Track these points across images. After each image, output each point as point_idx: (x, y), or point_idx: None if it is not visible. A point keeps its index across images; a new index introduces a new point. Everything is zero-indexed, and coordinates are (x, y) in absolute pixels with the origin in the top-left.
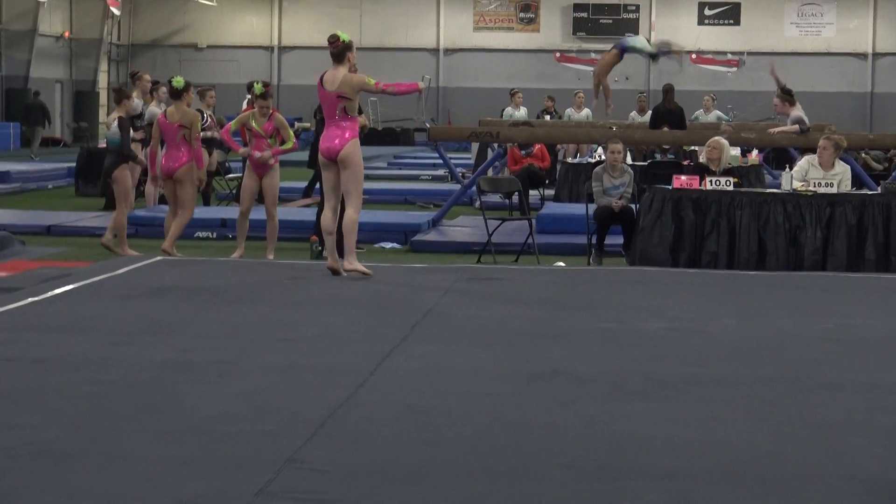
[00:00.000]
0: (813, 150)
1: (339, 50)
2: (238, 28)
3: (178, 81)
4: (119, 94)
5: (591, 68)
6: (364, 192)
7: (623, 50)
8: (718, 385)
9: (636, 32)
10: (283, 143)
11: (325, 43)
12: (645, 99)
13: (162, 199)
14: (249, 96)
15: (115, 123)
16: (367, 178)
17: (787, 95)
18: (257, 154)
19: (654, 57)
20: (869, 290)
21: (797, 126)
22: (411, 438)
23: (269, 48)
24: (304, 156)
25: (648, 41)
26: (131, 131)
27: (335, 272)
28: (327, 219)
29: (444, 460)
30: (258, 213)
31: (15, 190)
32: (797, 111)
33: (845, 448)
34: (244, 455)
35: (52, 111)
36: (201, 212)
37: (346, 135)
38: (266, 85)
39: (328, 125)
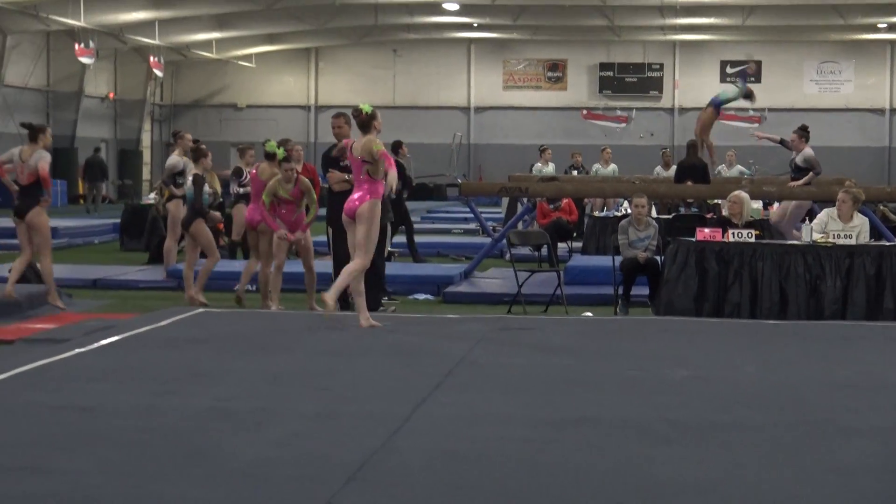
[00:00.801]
0: (832, 203)
1: (363, 122)
2: (276, 88)
3: (271, 146)
4: (197, 153)
5: (617, 125)
6: (398, 245)
7: (718, 106)
8: (741, 430)
9: (660, 91)
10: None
11: (360, 102)
12: (669, 154)
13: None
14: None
15: (191, 179)
16: (401, 231)
17: (803, 132)
18: (292, 237)
19: (747, 97)
20: (888, 339)
21: (811, 174)
22: (444, 483)
23: (306, 107)
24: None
25: (735, 85)
26: (173, 188)
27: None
28: (355, 278)
29: None
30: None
31: (62, 245)
32: (809, 150)
33: (865, 492)
34: (282, 500)
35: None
36: (242, 265)
37: (367, 196)
38: (284, 143)
39: (354, 188)
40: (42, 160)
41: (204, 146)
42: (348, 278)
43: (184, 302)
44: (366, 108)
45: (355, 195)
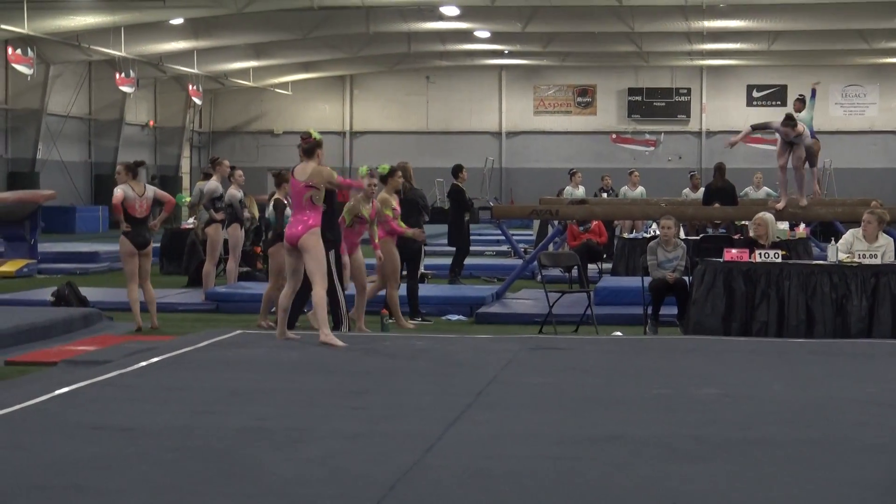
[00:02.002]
0: (857, 224)
1: (310, 146)
2: (311, 115)
3: (384, 168)
4: (279, 178)
5: (646, 149)
6: (430, 266)
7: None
8: (767, 447)
9: (687, 115)
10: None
11: (395, 128)
12: (698, 177)
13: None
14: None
15: (272, 205)
16: (434, 254)
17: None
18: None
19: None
20: None
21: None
22: (477, 501)
23: (342, 133)
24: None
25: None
26: (211, 212)
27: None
28: (285, 296)
29: None
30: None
31: (104, 269)
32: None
33: None
34: None
35: None
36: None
37: (310, 222)
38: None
39: (295, 213)
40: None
41: (285, 172)
42: (322, 308)
43: (223, 324)
44: (315, 134)
45: (297, 221)
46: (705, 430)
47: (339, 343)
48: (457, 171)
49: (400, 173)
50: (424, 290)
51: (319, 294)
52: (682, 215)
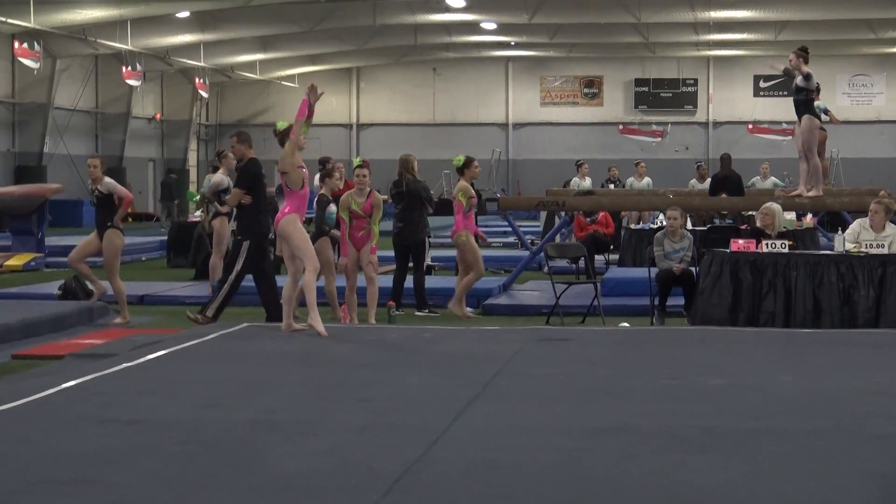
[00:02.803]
0: (864, 214)
1: (280, 138)
2: (318, 107)
3: (459, 160)
4: (324, 173)
5: (653, 139)
6: (438, 259)
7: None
8: (775, 438)
9: (694, 105)
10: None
11: (401, 120)
12: (705, 168)
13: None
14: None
15: (316, 200)
16: (441, 245)
17: (803, 52)
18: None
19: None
20: None
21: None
22: (483, 493)
23: (349, 125)
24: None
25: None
26: (218, 205)
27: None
28: (288, 287)
29: None
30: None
31: None
32: (807, 69)
33: None
34: None
35: (145, 188)
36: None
37: (286, 210)
38: (325, 162)
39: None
40: None
41: (331, 166)
42: (311, 291)
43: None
44: (280, 124)
45: (280, 212)
46: (713, 421)
47: (322, 330)
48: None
49: (476, 163)
50: (431, 282)
51: (307, 278)
52: (688, 206)
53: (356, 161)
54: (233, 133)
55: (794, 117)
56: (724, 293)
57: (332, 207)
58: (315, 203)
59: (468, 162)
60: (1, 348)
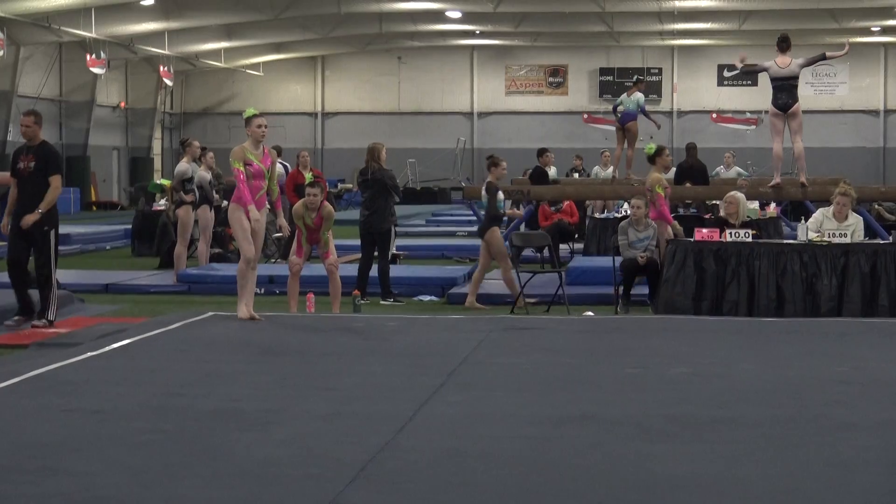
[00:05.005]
0: (827, 203)
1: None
2: (283, 96)
3: (650, 148)
4: (490, 161)
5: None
6: (403, 248)
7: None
8: (739, 426)
9: (659, 94)
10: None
11: (367, 108)
12: (669, 157)
13: (214, 258)
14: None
15: (484, 188)
16: (407, 234)
17: (783, 42)
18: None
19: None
20: (883, 335)
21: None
22: (448, 481)
23: (313, 114)
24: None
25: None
26: (182, 194)
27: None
28: (241, 272)
29: (480, 502)
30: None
31: (75, 251)
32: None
33: (861, 486)
34: (289, 498)
35: (109, 176)
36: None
37: (234, 196)
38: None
39: None
40: None
41: (495, 157)
42: (240, 277)
43: (195, 306)
44: (247, 112)
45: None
46: (677, 410)
47: (244, 316)
48: (541, 153)
49: (667, 151)
50: (396, 270)
51: (240, 266)
52: None
53: (308, 176)
54: (28, 111)
55: (758, 106)
56: (688, 282)
57: (501, 195)
58: (484, 190)
59: (659, 150)
60: None
